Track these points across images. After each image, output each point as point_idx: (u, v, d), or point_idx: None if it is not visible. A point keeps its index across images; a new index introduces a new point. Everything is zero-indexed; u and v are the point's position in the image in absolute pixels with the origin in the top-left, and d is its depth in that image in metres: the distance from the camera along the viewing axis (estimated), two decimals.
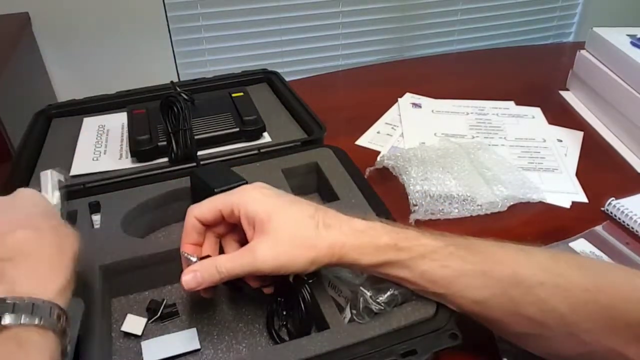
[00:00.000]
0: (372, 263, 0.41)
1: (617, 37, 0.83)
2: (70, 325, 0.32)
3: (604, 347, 0.37)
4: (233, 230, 0.45)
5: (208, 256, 0.43)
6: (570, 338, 0.38)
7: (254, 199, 0.41)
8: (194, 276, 0.40)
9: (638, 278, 0.39)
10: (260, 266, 0.39)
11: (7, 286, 0.30)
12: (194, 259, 0.42)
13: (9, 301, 0.29)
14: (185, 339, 0.46)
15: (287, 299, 0.47)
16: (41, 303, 0.30)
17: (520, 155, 0.75)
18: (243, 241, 0.43)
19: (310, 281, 0.44)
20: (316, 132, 0.69)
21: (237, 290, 0.49)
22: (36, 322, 0.29)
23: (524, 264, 0.40)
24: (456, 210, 0.63)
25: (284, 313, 0.47)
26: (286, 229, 0.40)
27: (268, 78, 0.87)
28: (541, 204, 0.65)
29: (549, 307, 0.38)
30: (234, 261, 0.40)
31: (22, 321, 0.29)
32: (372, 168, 0.69)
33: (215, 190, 0.50)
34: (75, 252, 0.36)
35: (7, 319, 0.29)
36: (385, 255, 0.40)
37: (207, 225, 0.44)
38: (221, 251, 0.46)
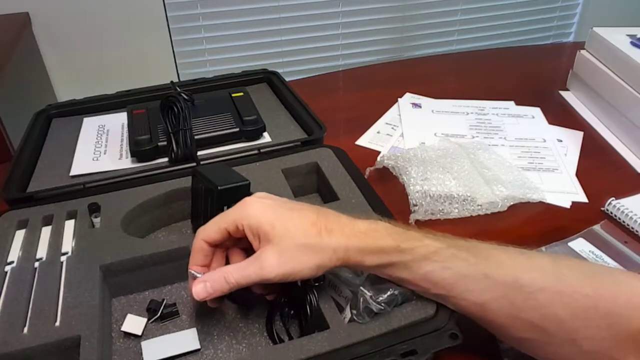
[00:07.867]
0: (375, 264, 0.41)
1: (617, 37, 0.83)
2: None
3: (604, 356, 0.37)
4: (238, 241, 0.45)
5: None
6: (570, 344, 0.38)
7: (256, 211, 0.42)
8: (203, 287, 0.41)
9: (639, 282, 0.38)
10: (267, 275, 0.40)
11: None
12: (199, 275, 0.42)
13: None
14: (185, 339, 0.46)
15: (289, 300, 0.47)
16: None
17: (520, 155, 0.75)
18: (248, 249, 0.43)
19: (317, 284, 0.44)
20: (316, 132, 0.69)
21: (234, 302, 0.49)
22: None
23: (525, 268, 0.40)
24: (456, 210, 0.63)
25: (291, 312, 0.47)
26: (290, 238, 0.40)
27: (268, 78, 0.87)
28: (541, 204, 0.65)
29: (550, 312, 0.38)
30: (242, 271, 0.40)
31: None
32: (372, 168, 0.69)
33: (219, 187, 0.50)
34: None
35: None
36: (388, 256, 0.41)
37: (215, 246, 0.44)
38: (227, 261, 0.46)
